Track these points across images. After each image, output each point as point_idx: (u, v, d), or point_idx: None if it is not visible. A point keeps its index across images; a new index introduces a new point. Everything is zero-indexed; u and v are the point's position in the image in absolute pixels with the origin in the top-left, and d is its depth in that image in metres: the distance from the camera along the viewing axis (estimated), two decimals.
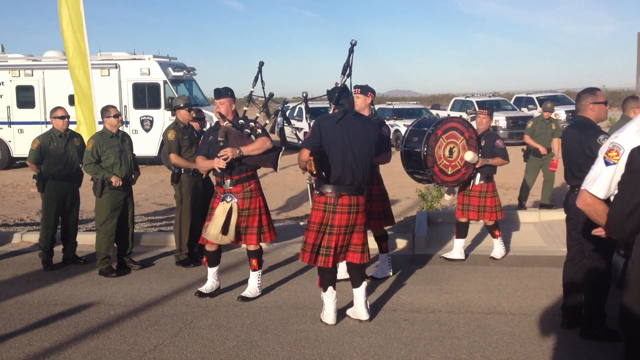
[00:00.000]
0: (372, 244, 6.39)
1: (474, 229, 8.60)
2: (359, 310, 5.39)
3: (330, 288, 5.36)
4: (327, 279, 5.37)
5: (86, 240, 8.03)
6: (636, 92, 8.56)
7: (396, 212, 11.04)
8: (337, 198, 5.21)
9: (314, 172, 5.13)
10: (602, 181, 3.36)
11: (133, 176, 7.27)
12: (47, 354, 4.85)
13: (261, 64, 6.22)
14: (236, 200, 5.86)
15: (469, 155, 6.82)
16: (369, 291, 5.64)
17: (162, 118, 18.04)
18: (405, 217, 10.27)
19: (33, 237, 8.60)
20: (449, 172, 6.82)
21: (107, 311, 5.82)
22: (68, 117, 7.45)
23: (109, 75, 18.07)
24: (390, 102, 29.41)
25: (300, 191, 13.50)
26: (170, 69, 18.64)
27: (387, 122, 23.84)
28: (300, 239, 8.37)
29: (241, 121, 5.90)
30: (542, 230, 8.76)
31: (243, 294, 6.06)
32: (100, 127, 7.65)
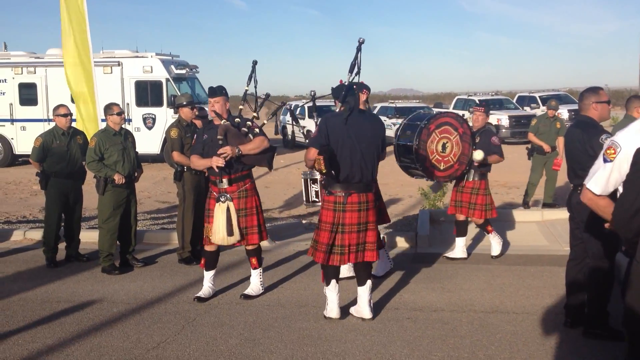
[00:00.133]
0: None
1: (473, 227, 8.59)
2: (362, 309, 5.39)
3: (333, 281, 5.39)
4: (331, 272, 5.41)
5: (89, 237, 8.05)
6: (639, 91, 8.56)
7: (398, 211, 11.06)
8: (346, 196, 5.22)
9: (324, 171, 5.11)
10: (598, 177, 3.41)
11: (136, 174, 7.28)
12: (50, 351, 4.86)
13: (254, 62, 6.18)
14: (231, 199, 5.82)
15: (479, 155, 6.79)
16: (371, 289, 5.63)
17: (165, 116, 18.05)
18: (408, 215, 10.28)
19: (36, 235, 8.62)
20: (442, 167, 6.76)
21: (110, 309, 5.83)
22: (71, 114, 7.46)
23: (111, 72, 18.08)
24: (392, 101, 29.42)
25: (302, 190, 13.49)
26: (172, 66, 18.65)
27: (390, 121, 23.87)
28: (303, 237, 8.50)
29: (237, 120, 5.87)
30: (545, 229, 8.75)
31: (246, 292, 6.06)
32: (103, 125, 7.66)
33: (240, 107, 6.13)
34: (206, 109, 6.22)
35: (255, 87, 6.19)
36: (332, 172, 5.14)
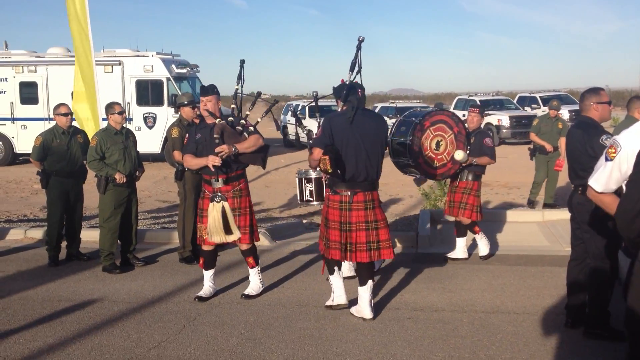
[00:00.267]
0: None
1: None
2: (362, 309, 5.39)
3: (335, 269, 5.48)
4: (333, 263, 5.46)
5: (90, 236, 8.05)
6: None
7: (399, 211, 11.07)
8: (352, 195, 5.24)
9: (329, 171, 5.10)
10: (600, 175, 3.46)
11: (137, 173, 7.28)
12: (51, 350, 4.86)
13: (242, 61, 6.13)
14: (226, 199, 5.81)
15: (459, 155, 6.71)
16: (372, 289, 5.63)
17: (165, 115, 18.06)
18: (408, 215, 10.28)
19: (37, 233, 8.62)
20: (435, 165, 6.71)
21: (110, 308, 5.83)
22: (71, 114, 7.46)
23: (112, 71, 18.08)
24: (393, 101, 29.41)
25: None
26: (173, 66, 18.65)
27: (391, 121, 23.90)
28: (303, 237, 8.50)
29: (230, 119, 5.85)
30: (546, 229, 8.75)
31: (246, 292, 6.06)
32: (104, 124, 7.66)
33: (232, 105, 6.10)
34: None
35: (242, 85, 6.12)
36: (338, 171, 5.13)
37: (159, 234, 8.65)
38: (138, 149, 7.38)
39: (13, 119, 18.75)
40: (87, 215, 9.52)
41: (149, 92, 18.37)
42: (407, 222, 9.41)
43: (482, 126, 7.48)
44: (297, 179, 6.70)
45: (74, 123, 7.72)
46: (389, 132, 6.97)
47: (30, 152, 7.56)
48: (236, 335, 5.10)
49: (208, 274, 6.06)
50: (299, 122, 6.17)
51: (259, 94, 6.37)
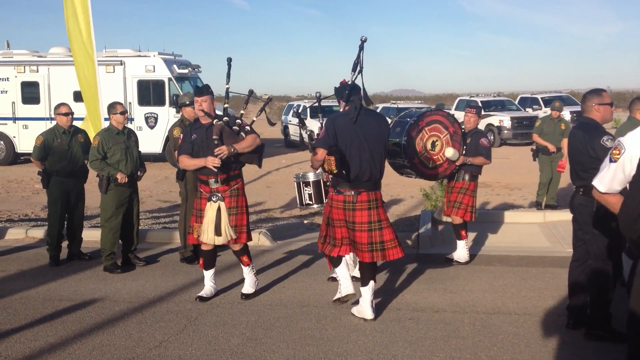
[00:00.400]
0: None
1: (478, 228, 8.60)
2: (364, 309, 5.39)
3: (343, 260, 5.53)
4: (336, 259, 5.52)
5: (91, 236, 8.06)
6: None
7: (400, 211, 11.07)
8: (355, 195, 5.24)
9: (334, 172, 5.09)
10: (604, 176, 3.48)
11: (139, 173, 7.28)
12: (53, 349, 4.86)
13: (229, 60, 6.07)
14: (223, 198, 5.80)
15: (450, 152, 6.64)
16: (374, 290, 5.62)
17: (167, 115, 18.07)
18: (410, 216, 10.28)
19: (38, 233, 8.63)
20: (430, 165, 6.65)
21: (112, 307, 5.83)
22: (72, 113, 7.46)
23: (114, 72, 18.09)
24: (394, 102, 29.41)
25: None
26: (175, 66, 18.66)
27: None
28: (304, 237, 8.49)
29: (225, 118, 5.81)
30: (547, 230, 8.75)
31: (244, 292, 6.04)
32: (106, 124, 7.67)
33: (226, 105, 6.08)
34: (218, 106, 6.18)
35: (227, 83, 6.10)
36: (344, 172, 5.13)
37: (160, 233, 8.66)
38: (139, 149, 7.38)
39: (14, 119, 18.77)
40: (89, 215, 9.52)
41: (150, 92, 18.38)
42: (408, 223, 9.41)
43: (479, 127, 7.45)
44: (295, 183, 6.66)
45: (76, 123, 7.72)
46: None
47: (31, 151, 7.56)
48: (237, 335, 5.10)
49: (208, 274, 6.06)
50: (302, 124, 6.13)
51: (251, 92, 6.29)
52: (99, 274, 6.99)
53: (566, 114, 24.53)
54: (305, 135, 5.95)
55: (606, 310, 4.83)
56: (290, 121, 24.72)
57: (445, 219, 7.39)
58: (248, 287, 6.08)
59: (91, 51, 8.71)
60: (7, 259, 7.64)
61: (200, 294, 6.01)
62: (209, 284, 6.05)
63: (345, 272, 5.55)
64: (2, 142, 19.05)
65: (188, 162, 5.90)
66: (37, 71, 18.72)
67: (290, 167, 18.17)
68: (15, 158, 19.07)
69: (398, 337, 5.02)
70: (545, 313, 5.50)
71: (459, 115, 8.45)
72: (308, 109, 20.56)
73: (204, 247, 5.98)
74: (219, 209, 5.75)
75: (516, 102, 28.24)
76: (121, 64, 18.24)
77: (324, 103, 6.65)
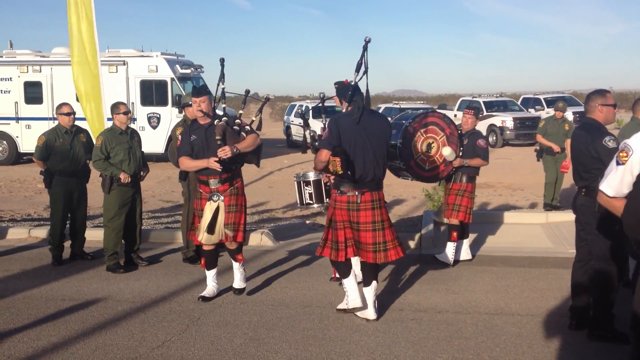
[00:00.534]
0: None
1: (480, 229, 8.60)
2: (366, 309, 5.39)
3: (350, 273, 5.42)
4: (343, 268, 5.42)
5: (94, 236, 8.06)
6: None
7: (402, 212, 11.07)
8: (359, 196, 5.23)
9: (339, 172, 5.07)
10: (611, 179, 3.44)
11: (142, 173, 7.29)
12: (55, 349, 4.87)
13: (222, 60, 6.02)
14: (222, 198, 5.80)
15: (447, 151, 6.60)
16: (376, 290, 5.62)
17: (169, 115, 18.09)
18: (412, 216, 10.28)
19: (40, 233, 8.64)
20: (427, 168, 6.62)
21: (114, 307, 5.84)
22: (74, 113, 7.46)
23: (116, 72, 18.12)
24: (396, 102, 29.39)
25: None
26: (177, 66, 18.68)
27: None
28: (306, 237, 8.50)
29: (225, 118, 5.81)
30: (550, 231, 8.74)
31: (237, 287, 6.07)
32: (109, 124, 7.67)
33: (223, 105, 6.07)
34: (216, 106, 6.15)
35: (219, 84, 6.06)
36: (349, 173, 5.12)
37: (163, 233, 8.66)
38: (142, 149, 7.39)
39: (17, 119, 18.80)
40: (92, 215, 9.53)
41: (153, 92, 18.40)
42: (410, 223, 9.41)
43: (482, 127, 7.43)
44: (295, 182, 6.65)
45: (77, 122, 7.72)
46: None
47: (34, 151, 7.57)
48: (240, 335, 5.11)
49: (210, 274, 6.06)
50: (306, 125, 6.10)
51: (248, 92, 6.27)
52: (101, 273, 7.00)
53: (569, 115, 24.55)
54: (308, 137, 5.93)
55: (609, 311, 4.83)
56: (292, 121, 24.72)
57: (446, 220, 7.36)
58: (240, 282, 6.10)
59: (94, 51, 8.71)
60: (10, 259, 7.66)
61: (202, 294, 6.01)
62: (211, 284, 6.06)
63: (354, 284, 5.42)
64: (5, 142, 19.08)
65: (189, 164, 5.89)
66: (40, 71, 18.75)
67: (292, 167, 18.17)
68: (18, 158, 19.10)
69: (400, 337, 5.02)
70: (548, 314, 5.50)
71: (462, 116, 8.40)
72: (310, 110, 20.57)
73: (205, 247, 5.99)
74: (217, 209, 5.76)
75: (519, 103, 28.22)
76: (124, 64, 18.26)
77: (326, 103, 6.63)
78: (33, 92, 18.77)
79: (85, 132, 7.72)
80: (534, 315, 5.47)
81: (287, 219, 10.35)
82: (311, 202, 6.56)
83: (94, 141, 7.39)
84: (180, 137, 6.09)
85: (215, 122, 5.76)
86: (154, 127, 18.29)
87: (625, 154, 3.39)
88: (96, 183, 7.47)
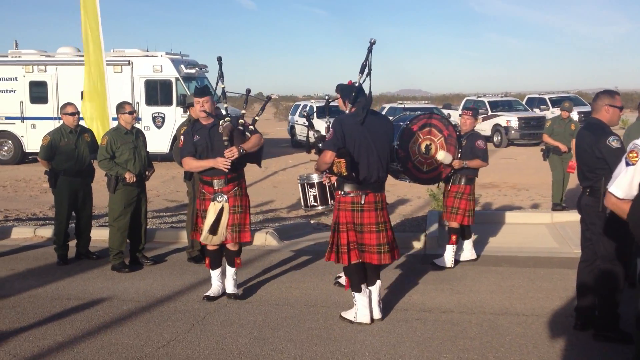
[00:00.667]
0: None
1: (485, 229, 8.59)
2: (371, 308, 5.37)
3: (363, 287, 5.31)
4: (357, 278, 5.30)
5: (99, 235, 8.08)
6: None
7: (407, 211, 11.06)
8: (363, 197, 5.22)
9: (344, 174, 5.06)
10: (621, 181, 3.40)
11: (147, 173, 7.30)
12: (61, 348, 4.88)
13: (219, 59, 6.00)
14: (227, 198, 5.78)
15: (441, 155, 6.51)
16: (380, 290, 5.62)
17: (174, 115, 18.12)
18: (417, 216, 10.27)
19: (46, 232, 8.66)
20: (424, 170, 6.55)
21: (120, 306, 5.85)
22: (78, 113, 7.48)
23: (121, 71, 18.14)
24: (401, 102, 29.37)
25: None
26: (182, 66, 18.70)
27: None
28: (311, 237, 8.50)
29: (228, 119, 5.81)
30: (555, 231, 8.72)
31: (232, 292, 5.99)
32: (114, 124, 7.69)
33: (226, 105, 6.06)
34: (220, 107, 6.16)
35: (217, 84, 6.03)
36: (353, 174, 5.11)
37: (168, 233, 8.68)
38: (147, 149, 7.40)
39: (23, 118, 18.84)
40: (97, 214, 9.56)
41: (157, 92, 18.43)
42: (415, 223, 9.40)
43: (485, 127, 7.39)
44: (299, 184, 6.61)
45: (81, 122, 7.74)
46: None
47: (38, 151, 7.59)
48: (244, 334, 5.11)
49: (215, 274, 6.06)
50: (310, 126, 6.07)
51: (249, 91, 6.26)
52: (106, 273, 7.02)
53: (574, 115, 24.50)
54: (312, 137, 5.91)
55: (614, 312, 4.82)
56: (296, 121, 24.73)
57: (446, 223, 7.32)
58: (234, 288, 6.02)
59: (100, 51, 8.74)
60: (15, 258, 7.68)
61: (207, 294, 6.02)
62: (216, 284, 6.06)
63: (365, 300, 5.31)
64: (10, 142, 19.13)
65: (195, 164, 5.84)
66: (45, 71, 18.79)
67: (296, 167, 18.17)
68: (23, 157, 19.15)
69: (405, 337, 5.02)
70: (553, 314, 5.49)
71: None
72: (315, 110, 20.59)
73: (209, 247, 5.99)
74: (221, 209, 5.74)
75: (524, 103, 28.17)
76: (129, 64, 18.29)
77: (331, 104, 6.62)
78: (38, 92, 18.81)
79: (90, 132, 7.74)
80: (539, 315, 5.46)
81: (291, 219, 10.35)
82: (316, 204, 6.54)
83: (99, 140, 7.41)
84: (182, 137, 6.00)
85: (221, 122, 5.74)
86: (159, 127, 18.31)
87: (635, 155, 3.36)
88: (101, 182, 7.48)
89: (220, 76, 5.92)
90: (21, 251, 8.01)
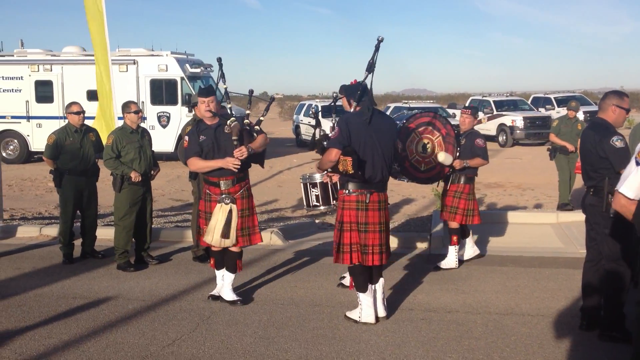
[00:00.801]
0: None
1: (490, 229, 8.58)
2: (376, 306, 5.37)
3: (369, 287, 5.30)
4: (362, 278, 5.29)
5: (105, 234, 8.10)
6: None
7: (411, 211, 11.05)
8: (368, 196, 5.21)
9: (350, 172, 5.05)
10: (632, 181, 3.36)
11: (153, 172, 7.31)
12: (66, 347, 4.90)
13: (219, 59, 5.96)
14: (235, 200, 5.71)
15: (442, 156, 6.43)
16: (385, 293, 5.60)
17: (179, 114, 18.16)
18: (422, 216, 10.26)
19: (51, 231, 8.69)
20: (422, 169, 6.46)
21: (125, 305, 5.86)
22: (83, 112, 7.49)
23: (127, 71, 18.19)
24: (406, 101, 29.33)
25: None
26: (187, 65, 18.73)
27: None
28: (316, 237, 8.50)
29: (233, 119, 5.80)
30: (560, 231, 8.70)
31: (230, 299, 5.88)
32: (119, 123, 7.70)
33: (230, 105, 6.05)
34: (225, 106, 6.14)
35: (218, 84, 6.02)
36: (359, 173, 5.09)
37: (173, 232, 8.69)
38: (152, 148, 7.41)
39: (28, 118, 18.91)
40: (102, 214, 9.58)
41: (163, 91, 18.47)
42: (420, 223, 9.39)
43: (490, 126, 7.35)
44: (302, 184, 6.59)
45: (89, 122, 7.76)
46: None
47: (43, 150, 7.61)
48: (249, 334, 5.12)
49: (220, 274, 6.04)
50: (318, 124, 6.07)
51: (251, 91, 6.23)
52: (112, 272, 7.03)
53: (579, 114, 24.43)
54: (317, 135, 5.89)
55: (620, 311, 4.80)
56: (301, 120, 24.73)
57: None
58: (234, 295, 5.91)
59: (105, 50, 8.76)
60: (21, 257, 7.70)
61: (212, 293, 6.02)
62: (220, 283, 6.05)
63: (370, 300, 5.30)
64: (16, 141, 19.20)
65: (202, 164, 5.76)
66: (51, 70, 18.85)
67: (301, 166, 18.18)
68: (29, 156, 19.22)
69: (410, 337, 5.02)
70: (559, 314, 5.48)
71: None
72: (320, 109, 20.58)
73: (214, 248, 5.95)
74: (230, 212, 5.69)
75: (529, 102, 28.11)
76: (134, 63, 18.34)
77: (338, 103, 6.61)
78: (44, 91, 18.88)
79: (95, 131, 7.76)
80: (544, 315, 5.45)
81: (296, 218, 10.36)
82: (318, 204, 6.51)
83: (104, 140, 7.42)
84: (187, 138, 5.92)
85: (229, 122, 5.71)
86: (164, 126, 18.35)
87: None
88: (107, 182, 7.49)
89: (222, 76, 5.92)
90: (27, 250, 8.04)
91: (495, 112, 25.17)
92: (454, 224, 7.07)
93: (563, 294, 5.99)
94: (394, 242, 8.03)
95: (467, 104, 26.89)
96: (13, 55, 19.54)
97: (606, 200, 4.67)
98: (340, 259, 5.26)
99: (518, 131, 24.06)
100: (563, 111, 11.07)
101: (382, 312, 5.37)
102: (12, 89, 18.95)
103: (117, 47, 18.54)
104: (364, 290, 5.28)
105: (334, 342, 4.93)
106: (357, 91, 5.28)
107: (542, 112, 26.25)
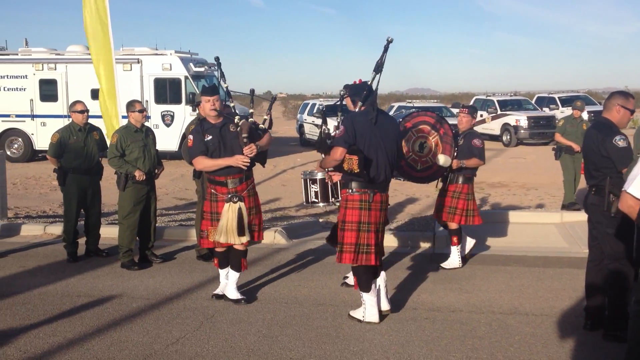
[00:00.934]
0: None
1: (494, 228, 8.56)
2: (379, 302, 5.35)
3: (372, 286, 5.29)
4: (365, 277, 5.27)
5: (109, 233, 8.11)
6: None
7: (415, 211, 11.03)
8: (372, 195, 5.20)
9: (355, 171, 5.04)
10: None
11: (157, 171, 7.32)
12: (71, 345, 4.91)
13: (217, 59, 5.98)
14: (242, 198, 5.70)
15: (442, 159, 6.39)
16: (388, 290, 5.60)
17: (183, 113, 18.18)
18: (425, 215, 10.25)
19: (56, 229, 8.71)
20: (418, 168, 6.44)
21: (129, 304, 5.87)
22: (87, 111, 7.51)
23: (131, 70, 18.21)
24: (410, 100, 29.33)
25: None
26: (191, 64, 18.75)
27: None
28: (320, 236, 8.49)
29: (237, 117, 5.79)
30: (564, 231, 8.69)
31: (233, 297, 5.88)
32: (123, 122, 7.71)
33: (232, 104, 6.06)
34: (229, 105, 6.14)
35: (218, 82, 6.01)
36: (365, 172, 5.08)
37: (177, 231, 8.70)
38: (156, 147, 7.42)
39: (33, 116, 18.95)
40: (106, 212, 9.59)
41: (167, 90, 18.49)
42: (424, 222, 9.38)
43: (494, 126, 7.32)
44: (302, 180, 6.59)
45: (94, 121, 7.76)
46: None
47: (47, 149, 7.62)
48: (253, 332, 5.12)
49: (224, 272, 6.05)
50: (324, 122, 6.04)
51: (253, 91, 6.23)
52: (116, 270, 7.05)
53: (584, 114, 24.37)
54: (322, 134, 5.87)
55: (624, 311, 4.79)
56: (305, 120, 24.73)
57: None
58: (236, 293, 5.90)
59: (109, 49, 8.76)
60: (25, 255, 7.72)
61: (216, 292, 6.02)
62: (224, 282, 6.06)
63: (374, 299, 5.29)
64: (20, 139, 19.24)
65: (209, 163, 5.71)
66: (55, 69, 18.88)
67: (305, 165, 18.16)
68: (33, 155, 19.26)
69: (414, 336, 5.02)
70: (563, 314, 5.48)
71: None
72: (323, 108, 20.57)
73: (218, 249, 5.94)
74: (240, 209, 5.68)
75: (533, 102, 28.06)
76: (138, 62, 18.35)
77: (344, 102, 6.59)
78: (48, 90, 18.91)
79: (99, 130, 7.77)
80: (548, 315, 5.44)
81: (300, 217, 10.35)
82: (316, 200, 6.50)
83: (108, 139, 7.43)
84: (191, 137, 5.86)
85: (236, 119, 5.73)
86: (168, 125, 18.37)
87: None
88: (111, 180, 7.51)
89: (222, 76, 5.92)
90: (31, 248, 8.06)
91: (499, 112, 25.13)
92: (453, 225, 7.04)
93: (567, 294, 5.99)
94: (397, 242, 8.05)
95: (471, 103, 26.92)
96: (17, 54, 19.58)
97: (607, 199, 4.66)
98: (341, 258, 5.25)
99: (522, 131, 24.02)
100: (567, 111, 11.07)
101: (385, 306, 5.36)
102: (17, 88, 18.99)
103: (121, 46, 18.56)
104: (367, 289, 5.27)
105: (337, 341, 4.93)
106: (363, 91, 5.28)
107: (546, 111, 26.21)
